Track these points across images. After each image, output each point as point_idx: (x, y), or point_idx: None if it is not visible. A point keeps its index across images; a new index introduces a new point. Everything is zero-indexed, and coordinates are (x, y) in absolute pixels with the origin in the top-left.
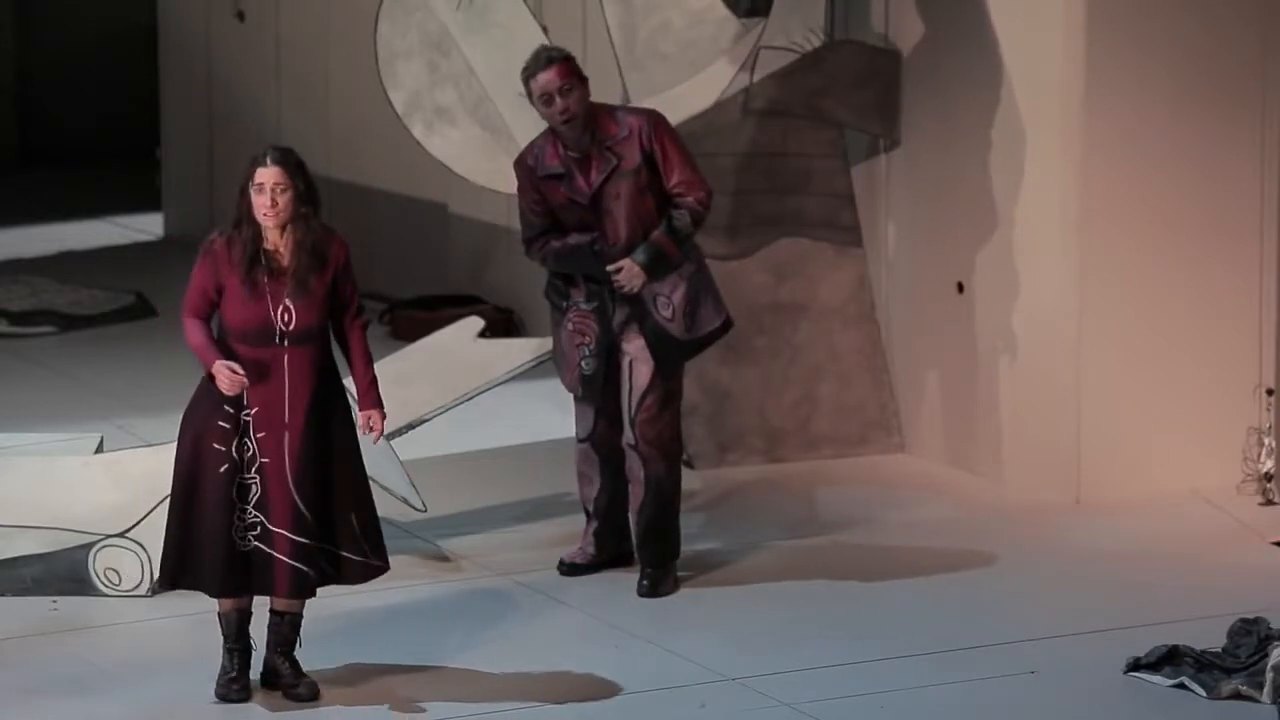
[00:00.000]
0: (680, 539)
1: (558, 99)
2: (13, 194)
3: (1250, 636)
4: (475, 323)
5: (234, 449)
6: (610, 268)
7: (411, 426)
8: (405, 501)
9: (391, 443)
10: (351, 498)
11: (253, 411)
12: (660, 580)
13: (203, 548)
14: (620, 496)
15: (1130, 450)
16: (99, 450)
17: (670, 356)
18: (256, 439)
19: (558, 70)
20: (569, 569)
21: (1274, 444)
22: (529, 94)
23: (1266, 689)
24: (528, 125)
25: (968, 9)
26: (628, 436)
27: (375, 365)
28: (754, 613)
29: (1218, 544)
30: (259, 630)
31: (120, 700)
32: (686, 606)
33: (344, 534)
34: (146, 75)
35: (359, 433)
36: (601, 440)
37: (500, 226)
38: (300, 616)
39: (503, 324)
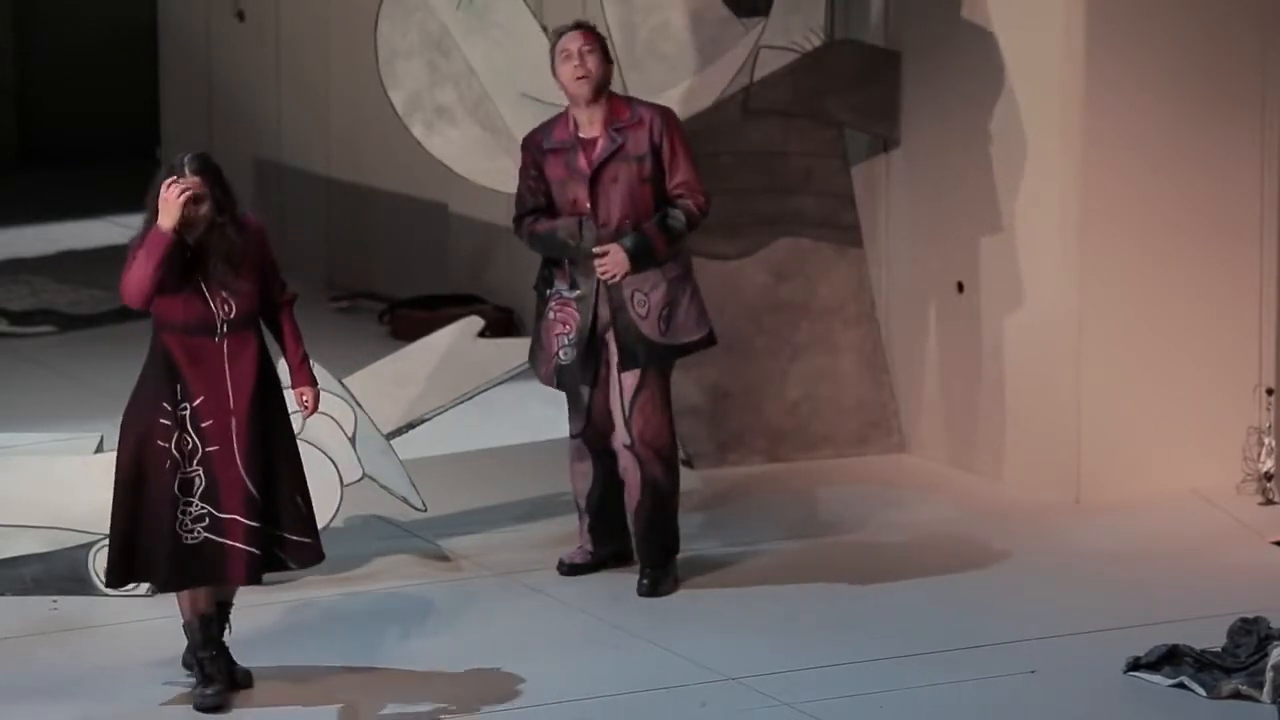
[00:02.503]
0: (679, 537)
1: (576, 56)
2: (13, 194)
3: (1250, 636)
4: (475, 323)
5: (174, 444)
6: (596, 249)
7: (411, 426)
8: (405, 501)
9: (391, 443)
10: (294, 481)
11: (196, 402)
12: (660, 580)
13: (151, 544)
14: (613, 491)
15: (1130, 450)
16: (99, 450)
17: (636, 355)
18: (201, 429)
19: (583, 33)
20: (569, 569)
21: (1274, 444)
22: (552, 61)
23: (1266, 689)
24: (528, 125)
25: (968, 9)
26: (622, 437)
27: (375, 365)
28: (754, 613)
29: (1218, 544)
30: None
31: (120, 700)
32: (686, 606)
33: (291, 516)
34: (146, 75)
35: (296, 410)
36: (594, 436)
37: (500, 226)
38: (230, 605)
39: (503, 324)
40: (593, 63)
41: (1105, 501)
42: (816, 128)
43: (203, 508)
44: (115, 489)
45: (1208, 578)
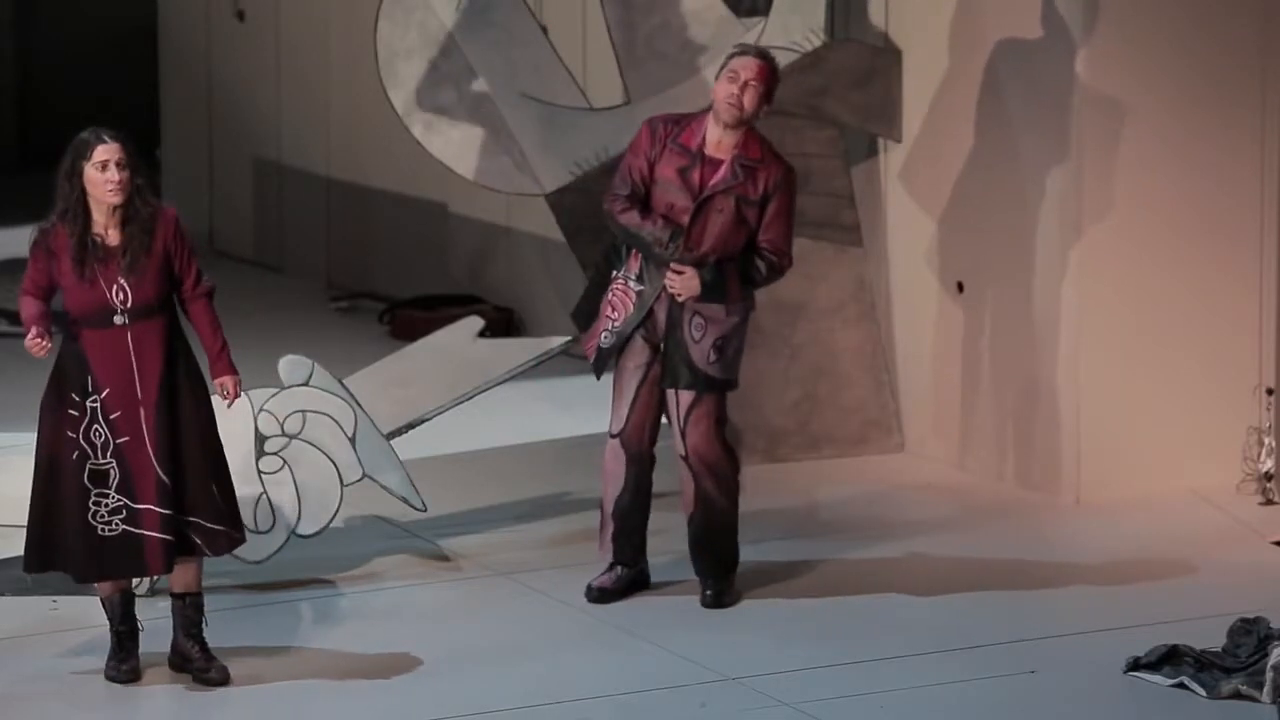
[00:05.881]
0: (739, 552)
1: (739, 84)
2: (13, 194)
3: (1250, 636)
4: (475, 322)
5: (83, 436)
6: (675, 265)
7: (411, 426)
8: (405, 501)
9: (391, 443)
10: (210, 468)
11: (103, 395)
12: (723, 592)
13: (66, 534)
14: (642, 500)
15: (1130, 450)
16: None
17: (679, 376)
18: (110, 420)
19: (760, 66)
20: (598, 595)
21: (1274, 444)
22: (719, 69)
23: (1266, 689)
24: (528, 125)
25: (968, 9)
26: (678, 446)
27: (375, 365)
28: (754, 612)
29: (1218, 544)
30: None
31: (119, 700)
32: (686, 607)
33: (207, 505)
34: (146, 75)
35: (217, 400)
36: (631, 437)
37: (500, 226)
38: (201, 597)
39: (503, 324)
40: (750, 99)
41: (1105, 501)
42: (816, 128)
43: (119, 500)
44: (34, 476)
45: (1208, 578)
